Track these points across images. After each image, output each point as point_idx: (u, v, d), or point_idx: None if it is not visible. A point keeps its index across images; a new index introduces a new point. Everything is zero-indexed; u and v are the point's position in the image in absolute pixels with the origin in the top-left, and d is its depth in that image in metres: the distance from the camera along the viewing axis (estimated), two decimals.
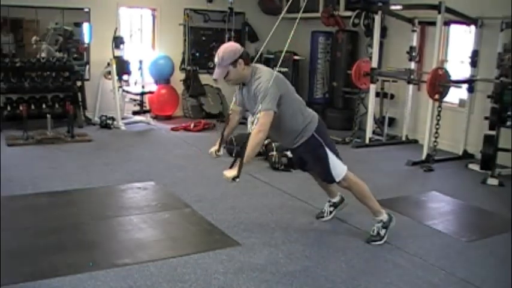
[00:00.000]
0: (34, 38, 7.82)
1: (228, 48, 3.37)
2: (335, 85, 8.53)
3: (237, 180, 3.19)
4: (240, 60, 3.32)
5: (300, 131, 3.50)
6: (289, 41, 3.45)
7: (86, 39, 8.07)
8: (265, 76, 3.31)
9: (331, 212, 4.06)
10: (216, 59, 3.36)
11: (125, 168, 5.43)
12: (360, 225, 3.90)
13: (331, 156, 3.53)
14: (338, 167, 3.56)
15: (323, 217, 4.06)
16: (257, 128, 3.22)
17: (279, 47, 8.40)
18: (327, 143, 3.56)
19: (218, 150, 3.62)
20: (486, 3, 6.35)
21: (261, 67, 3.46)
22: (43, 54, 7.80)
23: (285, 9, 3.41)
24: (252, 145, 3.22)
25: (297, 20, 3.34)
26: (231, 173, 3.22)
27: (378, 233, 3.63)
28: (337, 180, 3.58)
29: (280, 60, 3.68)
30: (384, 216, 3.65)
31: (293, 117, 3.46)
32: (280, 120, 3.40)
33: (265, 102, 3.22)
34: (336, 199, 4.05)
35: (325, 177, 3.66)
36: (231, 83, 3.48)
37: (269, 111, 3.24)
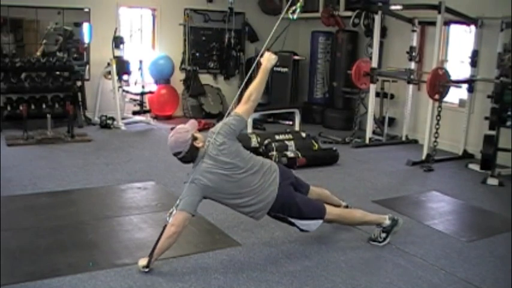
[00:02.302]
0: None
1: (169, 146, 3.26)
2: (335, 85, 8.52)
3: (146, 270, 3.06)
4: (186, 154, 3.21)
5: (252, 215, 3.37)
6: (269, 39, 3.39)
7: (86, 39, 8.06)
8: (193, 170, 3.20)
9: None
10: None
11: (125, 168, 5.43)
12: (360, 226, 3.89)
13: (298, 222, 3.40)
14: (310, 225, 3.43)
15: None
16: (171, 221, 3.10)
17: (280, 47, 8.41)
18: (290, 214, 3.36)
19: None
20: (486, 3, 6.35)
21: (205, 155, 3.20)
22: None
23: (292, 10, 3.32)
24: (164, 237, 3.09)
25: (279, 20, 3.25)
26: (142, 262, 3.09)
27: (377, 237, 3.61)
28: (311, 231, 3.49)
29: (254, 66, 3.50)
30: (385, 222, 3.60)
31: (237, 206, 3.32)
32: (228, 203, 3.33)
33: (182, 200, 3.13)
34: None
35: (300, 230, 3.50)
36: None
37: (183, 212, 3.10)
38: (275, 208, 3.31)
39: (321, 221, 3.44)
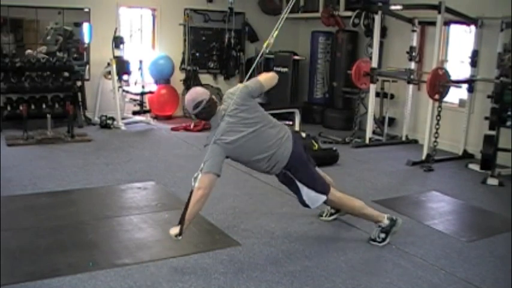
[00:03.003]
0: (28, 51, 7.79)
1: (191, 96, 3.34)
2: (335, 85, 8.52)
3: (179, 238, 3.15)
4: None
5: (268, 170, 3.49)
6: (272, 40, 3.46)
7: (86, 39, 8.06)
8: (213, 131, 3.30)
9: (332, 214, 4.04)
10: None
11: (125, 168, 5.43)
12: (360, 226, 3.90)
13: (303, 190, 3.48)
14: (313, 198, 3.50)
15: (321, 216, 4.06)
16: (197, 185, 3.17)
17: (280, 47, 8.41)
18: (300, 177, 3.46)
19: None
20: (486, 3, 6.35)
21: (225, 114, 3.30)
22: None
23: (287, 10, 3.44)
24: (192, 202, 3.17)
25: (281, 20, 3.37)
26: (174, 230, 3.17)
27: (376, 238, 3.61)
28: (312, 207, 3.57)
29: (256, 62, 3.72)
30: (384, 222, 3.61)
31: (256, 162, 3.42)
32: (248, 160, 3.43)
33: (206, 162, 3.21)
34: None
35: (301, 203, 3.59)
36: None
37: (208, 174, 3.20)
38: (288, 164, 3.42)
39: (324, 197, 3.50)
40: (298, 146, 3.51)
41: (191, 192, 3.19)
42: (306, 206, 3.56)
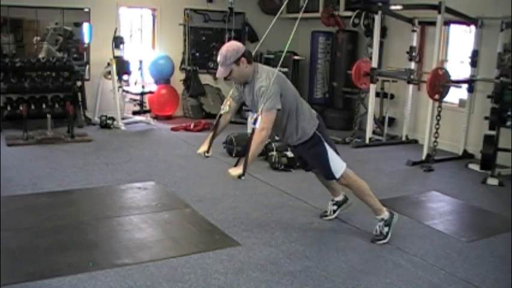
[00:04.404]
0: (35, 38, 7.84)
1: (231, 46, 3.43)
2: (335, 85, 8.53)
3: (243, 178, 3.27)
4: (243, 59, 3.39)
5: (302, 129, 3.56)
6: (289, 42, 3.50)
7: (86, 39, 8.05)
8: (267, 75, 3.38)
9: (334, 211, 4.06)
10: (219, 58, 3.45)
11: (125, 168, 5.43)
12: (360, 225, 3.90)
13: (331, 152, 3.60)
14: (337, 163, 3.62)
15: (327, 216, 4.07)
16: (260, 125, 3.28)
17: (280, 47, 8.41)
18: (326, 139, 3.62)
19: (207, 151, 3.61)
20: (486, 3, 6.35)
21: (263, 66, 3.53)
22: (43, 54, 7.83)
23: (281, 9, 3.53)
24: (256, 143, 3.31)
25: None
26: (236, 171, 3.30)
27: (381, 232, 3.63)
28: (337, 176, 3.63)
29: (281, 61, 3.76)
30: (385, 214, 3.64)
31: (295, 115, 3.53)
32: (282, 118, 3.49)
33: (268, 101, 3.29)
34: (339, 198, 4.05)
35: (325, 173, 3.69)
36: (235, 81, 3.58)
37: (272, 110, 3.32)
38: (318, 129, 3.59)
39: (344, 165, 3.64)
40: None
41: (252, 132, 3.33)
42: (331, 176, 3.63)
